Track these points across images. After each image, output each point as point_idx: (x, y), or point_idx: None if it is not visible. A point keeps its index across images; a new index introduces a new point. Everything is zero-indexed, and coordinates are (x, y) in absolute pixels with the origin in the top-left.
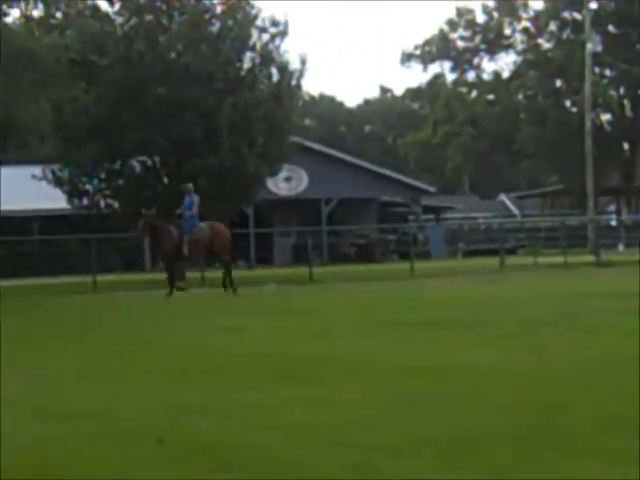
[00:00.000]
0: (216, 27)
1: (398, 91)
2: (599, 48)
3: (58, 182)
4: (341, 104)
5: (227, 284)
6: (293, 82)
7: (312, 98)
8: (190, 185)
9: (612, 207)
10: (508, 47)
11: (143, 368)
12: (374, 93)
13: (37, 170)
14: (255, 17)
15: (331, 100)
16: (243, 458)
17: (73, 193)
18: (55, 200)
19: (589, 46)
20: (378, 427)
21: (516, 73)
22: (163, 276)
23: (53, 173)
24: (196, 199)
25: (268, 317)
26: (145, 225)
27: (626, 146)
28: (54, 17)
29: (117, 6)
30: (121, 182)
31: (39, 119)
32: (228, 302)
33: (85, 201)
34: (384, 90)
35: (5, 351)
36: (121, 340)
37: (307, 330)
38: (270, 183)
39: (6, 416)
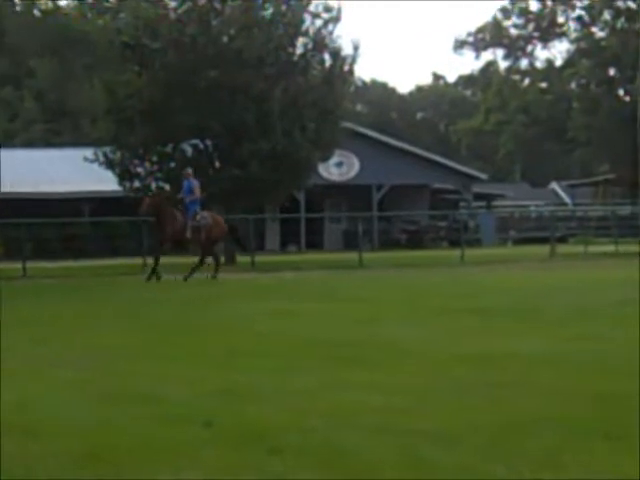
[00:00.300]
0: (269, 12)
1: (451, 78)
2: None
3: (110, 164)
4: (393, 90)
5: (195, 271)
6: (345, 68)
7: (364, 84)
8: (189, 169)
9: None
10: (561, 35)
11: (192, 351)
12: (426, 80)
13: (89, 152)
14: (308, 2)
15: (383, 86)
16: (293, 442)
17: (124, 176)
18: (106, 182)
19: None
20: (427, 413)
21: (569, 61)
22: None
23: (105, 155)
24: (196, 183)
25: (318, 302)
26: (150, 205)
27: None
28: (107, 0)
29: None
30: (172, 165)
31: (92, 102)
32: (278, 286)
33: (136, 184)
34: (436, 77)
35: (61, 333)
36: (170, 323)
37: (356, 315)
38: (321, 168)
39: (66, 397)
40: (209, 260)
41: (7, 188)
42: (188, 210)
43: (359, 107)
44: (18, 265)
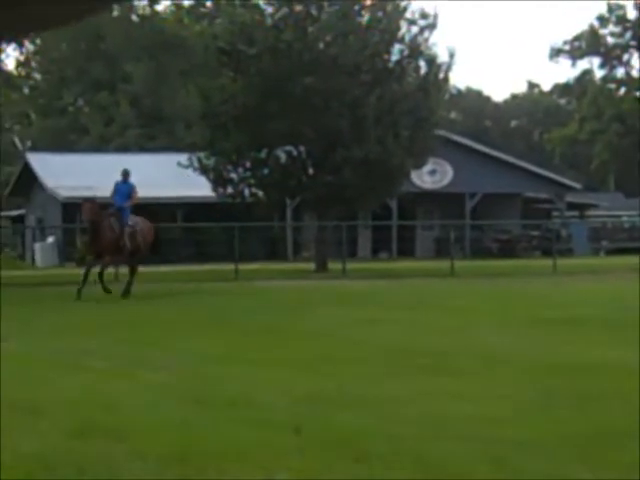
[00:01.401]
0: (366, 18)
1: (546, 86)
2: None
3: (203, 170)
4: (488, 98)
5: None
6: (440, 75)
7: (459, 91)
8: (126, 169)
9: None
10: None
11: (282, 356)
12: (521, 88)
13: (183, 158)
14: (404, 9)
15: (478, 94)
16: (381, 449)
17: (218, 181)
18: (200, 188)
19: None
20: (516, 423)
21: None
22: (307, 266)
23: (199, 161)
24: (134, 187)
25: (409, 310)
26: (91, 211)
27: None
28: (204, 5)
29: None
30: (266, 171)
31: (186, 107)
32: (369, 294)
33: (229, 189)
34: (531, 85)
35: (151, 336)
36: (261, 328)
37: (447, 324)
38: (414, 176)
39: (154, 399)
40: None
41: (102, 193)
42: (123, 215)
43: (453, 115)
44: (110, 269)
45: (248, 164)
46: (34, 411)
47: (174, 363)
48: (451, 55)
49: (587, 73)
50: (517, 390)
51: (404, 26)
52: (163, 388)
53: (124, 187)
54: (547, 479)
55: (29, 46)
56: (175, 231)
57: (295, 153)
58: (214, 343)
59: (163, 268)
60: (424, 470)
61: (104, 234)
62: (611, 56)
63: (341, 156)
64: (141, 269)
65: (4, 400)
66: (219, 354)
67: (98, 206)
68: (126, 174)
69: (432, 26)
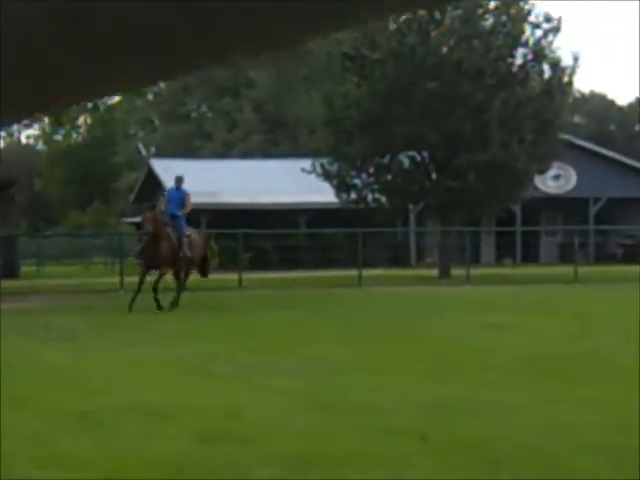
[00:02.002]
0: (489, 22)
1: None
2: None
3: (327, 176)
4: (612, 102)
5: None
6: (564, 79)
7: (582, 95)
8: (180, 176)
9: None
10: None
11: (407, 363)
12: None
13: (306, 163)
14: (528, 13)
15: (602, 98)
16: (509, 456)
17: (341, 187)
18: (323, 194)
19: None
20: None
21: None
22: (430, 272)
23: (322, 167)
24: (188, 194)
25: (533, 316)
26: (151, 220)
27: None
28: None
29: None
30: (389, 177)
31: (309, 113)
32: (493, 300)
33: (353, 195)
34: None
35: (275, 342)
36: (385, 334)
37: (572, 330)
38: (538, 181)
39: (279, 406)
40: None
41: (226, 198)
42: (179, 225)
43: (577, 119)
44: (234, 276)
45: (371, 170)
46: (163, 416)
47: (299, 370)
48: (575, 59)
49: None
50: None
51: (528, 29)
52: (289, 395)
53: (177, 194)
54: None
55: None
56: (298, 237)
57: (418, 158)
58: (339, 350)
59: (287, 274)
60: (550, 474)
61: (163, 244)
62: None
63: (465, 161)
64: (266, 275)
65: (133, 404)
66: (344, 361)
67: (158, 214)
68: (179, 180)
69: (556, 29)
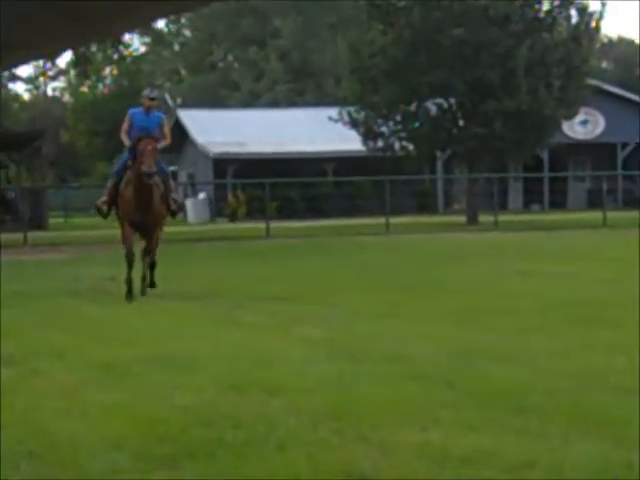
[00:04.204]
0: None
1: None
2: None
3: (354, 124)
4: None
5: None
6: (592, 24)
7: (610, 41)
8: (152, 89)
9: None
10: None
11: (435, 310)
12: None
13: (333, 112)
14: None
15: (630, 43)
16: (537, 402)
17: (368, 135)
18: (350, 142)
19: None
20: None
21: None
22: (458, 218)
23: (349, 115)
24: (163, 120)
25: (562, 262)
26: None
27: None
28: None
29: None
30: (416, 124)
31: (335, 61)
32: (522, 246)
33: (380, 143)
34: None
35: (303, 291)
36: (413, 282)
37: (601, 275)
38: (566, 127)
39: (308, 354)
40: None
41: (252, 148)
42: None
43: (605, 64)
44: (261, 225)
45: (398, 117)
46: (191, 366)
47: (328, 318)
48: (603, 4)
49: None
50: None
51: None
52: (317, 343)
53: (147, 119)
54: None
55: None
56: (325, 186)
57: (445, 105)
58: (367, 298)
59: (314, 223)
60: (580, 422)
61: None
62: None
63: (492, 108)
64: (293, 224)
65: (162, 355)
66: (372, 309)
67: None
68: (152, 97)
69: None
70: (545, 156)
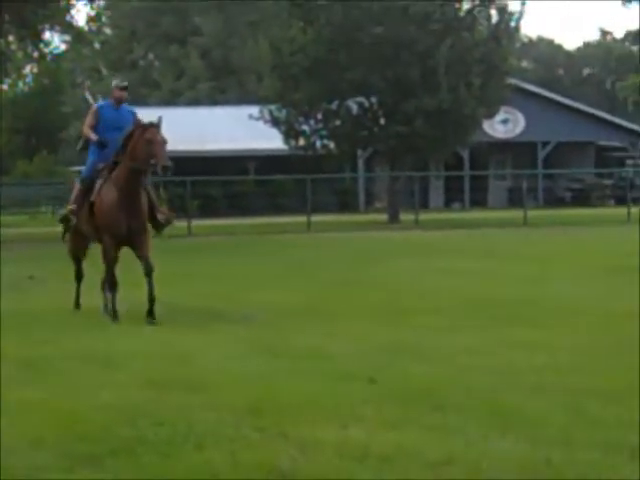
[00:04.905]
0: None
1: (618, 34)
2: None
3: (275, 122)
4: (559, 46)
5: None
6: (512, 24)
7: (530, 40)
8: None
9: None
10: None
11: (358, 308)
12: (594, 36)
13: (254, 110)
14: None
15: (549, 43)
16: (457, 399)
17: (290, 133)
18: (271, 140)
19: None
20: (591, 372)
21: None
22: (379, 217)
23: (270, 113)
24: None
25: (483, 260)
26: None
27: None
28: None
29: None
30: (337, 123)
31: (256, 59)
32: (443, 244)
33: (301, 142)
34: (604, 33)
35: (227, 289)
36: (337, 280)
37: (521, 274)
38: (486, 125)
39: (231, 352)
40: None
41: (174, 146)
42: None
43: (525, 64)
44: (183, 223)
45: (319, 116)
46: (113, 364)
47: (250, 316)
48: (522, 3)
49: None
50: (591, 339)
51: None
52: (240, 341)
53: (117, 115)
54: (622, 427)
55: (100, 1)
56: (247, 184)
57: (366, 104)
58: (290, 295)
59: (236, 221)
60: (500, 419)
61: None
62: None
63: (413, 106)
64: (215, 222)
65: (82, 352)
66: (294, 306)
67: None
68: (121, 88)
69: None
70: (466, 155)
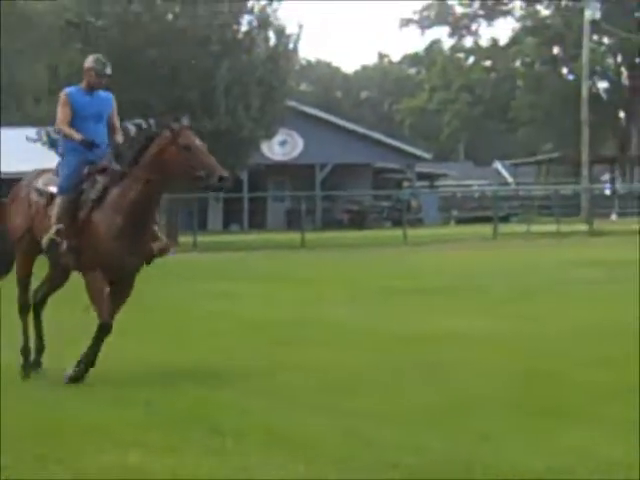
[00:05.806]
0: None
1: (396, 57)
2: (598, 15)
3: (52, 144)
4: (337, 69)
5: None
6: (290, 46)
7: (309, 63)
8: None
9: (606, 176)
10: (507, 13)
11: (135, 332)
12: (372, 59)
13: (32, 132)
14: None
15: (327, 65)
16: (233, 422)
17: None
18: (51, 162)
19: (587, 13)
20: (366, 393)
21: (514, 40)
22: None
23: (48, 135)
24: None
25: (261, 283)
26: None
27: (622, 115)
28: None
29: None
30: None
31: (35, 81)
32: (221, 267)
33: None
34: (381, 56)
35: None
36: None
37: (299, 296)
38: (265, 147)
39: (9, 380)
40: None
41: None
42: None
43: (303, 86)
44: None
45: None
46: None
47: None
48: (299, 26)
49: (436, 43)
50: (367, 361)
51: None
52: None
53: (94, 101)
54: (398, 448)
55: None
56: None
57: (144, 125)
58: (69, 317)
59: None
60: (275, 441)
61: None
62: (459, 26)
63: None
64: None
65: None
66: (73, 328)
67: None
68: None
69: None
70: (245, 177)
